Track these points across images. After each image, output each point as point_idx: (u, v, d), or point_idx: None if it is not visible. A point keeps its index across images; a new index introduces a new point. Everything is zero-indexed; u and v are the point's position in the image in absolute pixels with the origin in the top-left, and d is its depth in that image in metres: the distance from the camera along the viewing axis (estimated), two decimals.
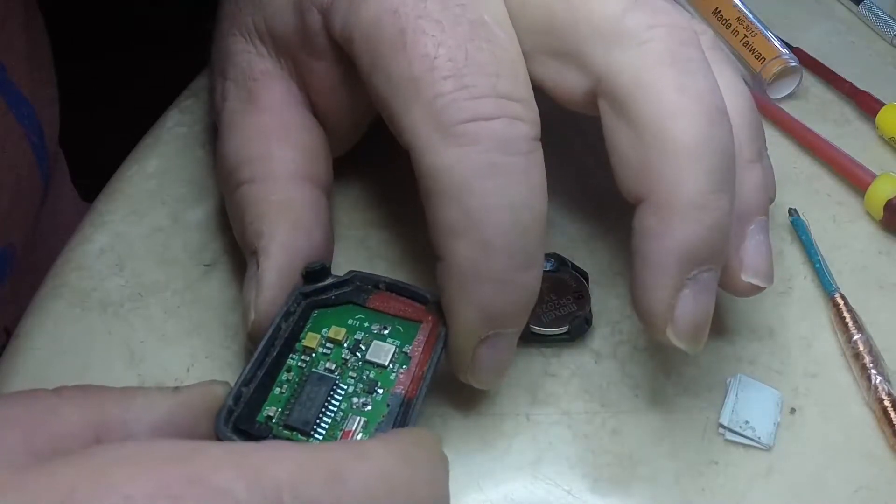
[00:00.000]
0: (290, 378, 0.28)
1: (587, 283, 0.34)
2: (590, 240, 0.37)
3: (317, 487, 0.20)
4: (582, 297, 0.34)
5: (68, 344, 0.34)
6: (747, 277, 0.30)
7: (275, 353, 0.28)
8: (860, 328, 0.33)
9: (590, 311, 0.34)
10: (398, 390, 0.27)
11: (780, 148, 0.41)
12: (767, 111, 0.42)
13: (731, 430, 0.31)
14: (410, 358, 0.28)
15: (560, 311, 0.33)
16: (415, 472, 0.22)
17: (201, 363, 0.34)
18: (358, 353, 0.28)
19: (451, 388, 0.32)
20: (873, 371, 0.32)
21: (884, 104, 0.41)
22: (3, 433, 0.22)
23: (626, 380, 0.33)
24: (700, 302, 0.27)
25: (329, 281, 0.30)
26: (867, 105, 0.42)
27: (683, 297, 0.27)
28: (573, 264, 0.35)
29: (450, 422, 0.32)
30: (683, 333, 0.28)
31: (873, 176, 0.38)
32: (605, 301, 0.35)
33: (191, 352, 0.34)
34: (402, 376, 0.28)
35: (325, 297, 0.30)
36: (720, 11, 0.45)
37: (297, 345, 0.29)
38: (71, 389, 0.24)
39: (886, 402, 0.31)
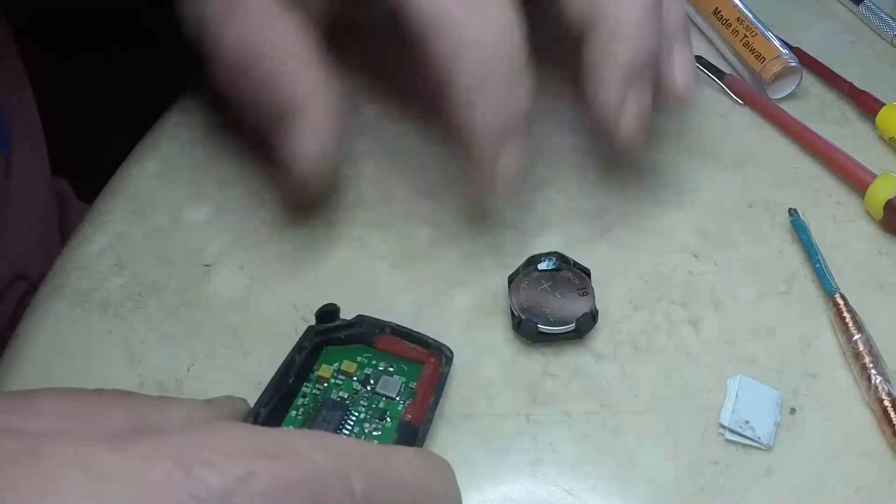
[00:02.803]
0: (304, 403, 0.31)
1: (590, 278, 0.34)
2: (590, 239, 0.37)
3: (374, 459, 0.22)
4: (586, 293, 0.34)
5: (68, 344, 0.34)
6: (675, 83, 0.36)
7: (290, 382, 0.30)
8: (860, 328, 0.33)
9: (595, 306, 0.34)
10: (406, 419, 0.30)
11: (780, 148, 0.41)
12: (767, 111, 0.42)
13: (731, 430, 0.31)
14: (416, 392, 0.31)
15: (566, 308, 0.33)
16: (435, 467, 0.24)
17: (201, 363, 0.34)
18: (368, 386, 0.31)
19: (452, 389, 0.32)
20: (873, 371, 0.32)
21: (884, 104, 0.41)
22: (52, 426, 0.23)
23: (626, 380, 0.33)
24: (641, 100, 0.34)
25: (338, 322, 0.32)
26: (867, 105, 0.42)
27: (629, 97, 0.34)
28: (575, 262, 0.35)
29: (450, 422, 0.32)
30: (628, 124, 0.34)
31: (873, 176, 0.38)
32: (606, 301, 0.35)
33: (191, 352, 0.34)
34: (409, 407, 0.30)
35: (335, 336, 0.32)
36: (720, 11, 0.45)
37: (312, 375, 0.31)
38: (112, 392, 0.25)
39: (886, 402, 0.31)
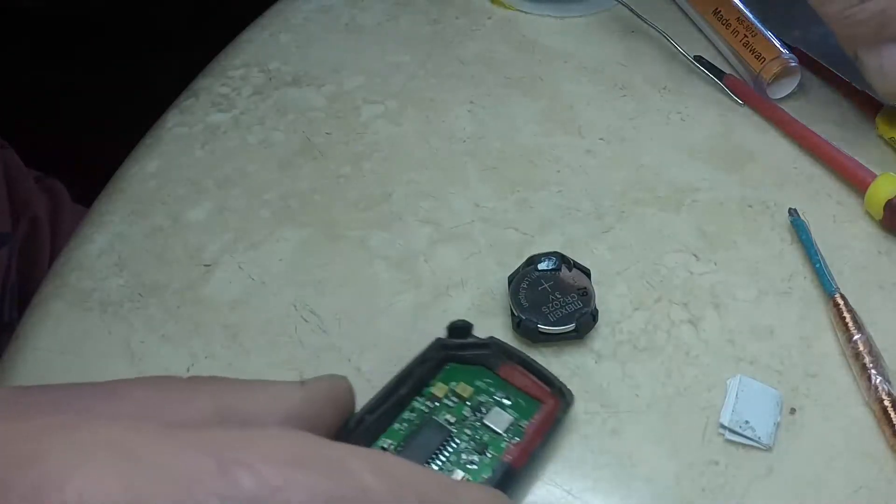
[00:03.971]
0: (411, 418, 0.30)
1: (590, 278, 0.34)
2: (590, 240, 0.37)
3: (437, 491, 0.21)
4: (586, 293, 0.34)
5: (68, 344, 0.34)
6: None
7: (402, 392, 0.30)
8: (860, 328, 0.33)
9: (595, 306, 0.34)
10: (506, 459, 0.29)
11: (780, 148, 0.41)
12: (767, 111, 0.42)
13: (731, 430, 0.31)
14: (525, 432, 0.30)
15: (566, 308, 0.33)
16: None
17: (201, 363, 0.34)
18: (478, 414, 0.30)
19: None
20: (873, 371, 0.32)
21: (884, 104, 0.41)
22: (137, 412, 0.23)
23: (626, 380, 0.33)
24: None
25: (469, 340, 0.32)
26: (867, 105, 0.42)
27: None
28: (575, 262, 0.35)
29: None
30: None
31: (873, 176, 0.38)
32: (606, 301, 0.35)
33: (191, 352, 0.34)
34: (512, 447, 0.29)
35: (461, 353, 0.31)
36: (720, 11, 0.45)
37: (426, 390, 0.31)
38: (203, 379, 0.25)
39: (886, 402, 0.31)
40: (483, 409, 0.30)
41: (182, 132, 0.42)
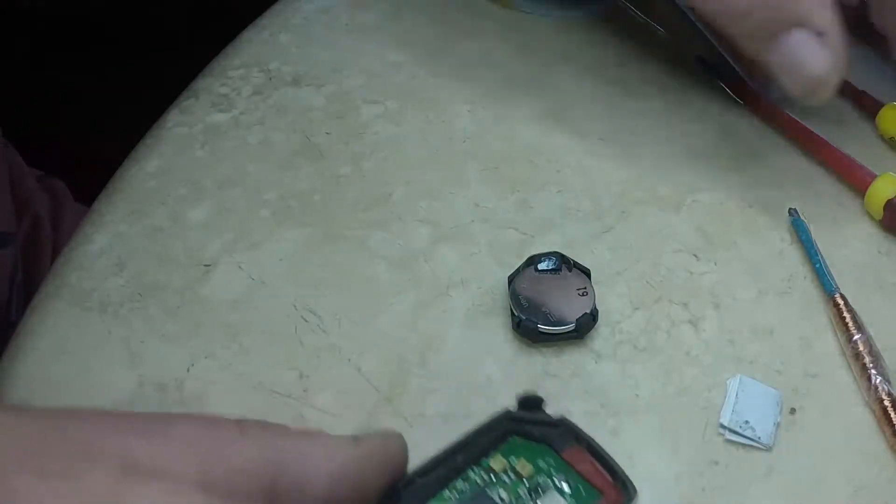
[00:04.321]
0: (463, 488, 0.28)
1: (590, 278, 0.34)
2: (590, 240, 0.37)
3: None
4: (586, 293, 0.34)
5: (68, 344, 0.34)
6: None
7: (459, 459, 0.29)
8: (860, 328, 0.33)
9: (595, 306, 0.34)
10: None
11: (780, 148, 0.41)
12: (767, 111, 0.42)
13: (731, 430, 0.31)
14: None
15: (566, 308, 0.33)
16: None
17: (201, 363, 0.34)
18: (533, 495, 0.29)
19: (451, 389, 0.32)
20: (873, 371, 0.32)
21: (884, 104, 0.41)
22: (181, 457, 0.22)
23: (626, 380, 0.33)
24: None
25: (539, 416, 0.30)
26: (867, 105, 0.42)
27: None
28: (575, 262, 0.35)
29: (451, 422, 0.32)
30: None
31: (873, 176, 0.38)
32: (606, 301, 0.35)
33: (191, 352, 0.34)
34: None
35: (528, 428, 0.30)
36: None
37: (484, 461, 0.29)
38: (254, 425, 0.24)
39: (886, 402, 0.31)
40: (540, 491, 0.29)
41: (182, 132, 0.42)
